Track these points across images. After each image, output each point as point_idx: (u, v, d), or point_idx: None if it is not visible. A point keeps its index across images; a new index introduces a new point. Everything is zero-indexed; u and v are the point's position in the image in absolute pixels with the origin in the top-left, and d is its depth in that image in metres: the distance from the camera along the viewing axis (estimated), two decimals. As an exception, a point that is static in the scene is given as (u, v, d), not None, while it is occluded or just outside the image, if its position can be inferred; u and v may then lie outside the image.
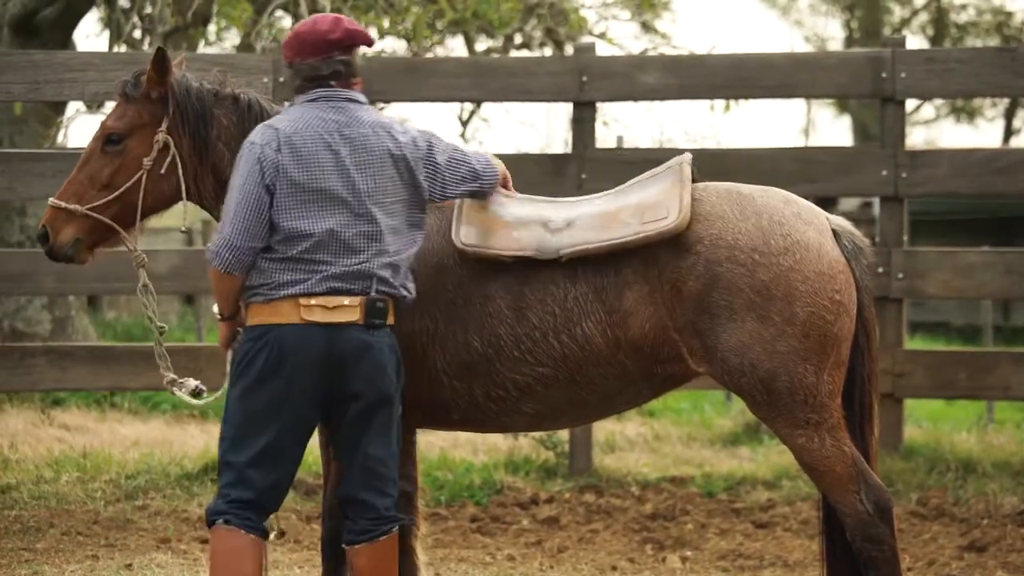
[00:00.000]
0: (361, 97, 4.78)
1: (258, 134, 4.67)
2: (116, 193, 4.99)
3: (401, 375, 4.74)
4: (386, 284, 4.65)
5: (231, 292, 4.70)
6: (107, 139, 5.03)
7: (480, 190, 4.93)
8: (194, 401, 5.08)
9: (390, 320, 4.68)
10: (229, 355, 4.81)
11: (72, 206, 4.97)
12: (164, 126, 5.01)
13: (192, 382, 5.05)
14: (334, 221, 4.59)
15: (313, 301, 4.55)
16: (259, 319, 4.59)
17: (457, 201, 5.01)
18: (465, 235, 4.95)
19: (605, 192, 5.14)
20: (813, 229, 4.81)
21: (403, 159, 4.71)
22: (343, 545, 4.77)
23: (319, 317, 4.56)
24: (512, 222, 4.97)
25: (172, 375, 5.08)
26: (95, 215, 4.98)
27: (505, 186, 5.10)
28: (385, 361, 4.66)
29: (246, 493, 4.59)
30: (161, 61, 5.02)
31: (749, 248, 4.74)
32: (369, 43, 4.85)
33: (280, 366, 4.55)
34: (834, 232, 4.87)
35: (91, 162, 5.03)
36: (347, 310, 4.58)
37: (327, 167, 4.61)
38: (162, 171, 5.00)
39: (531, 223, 4.97)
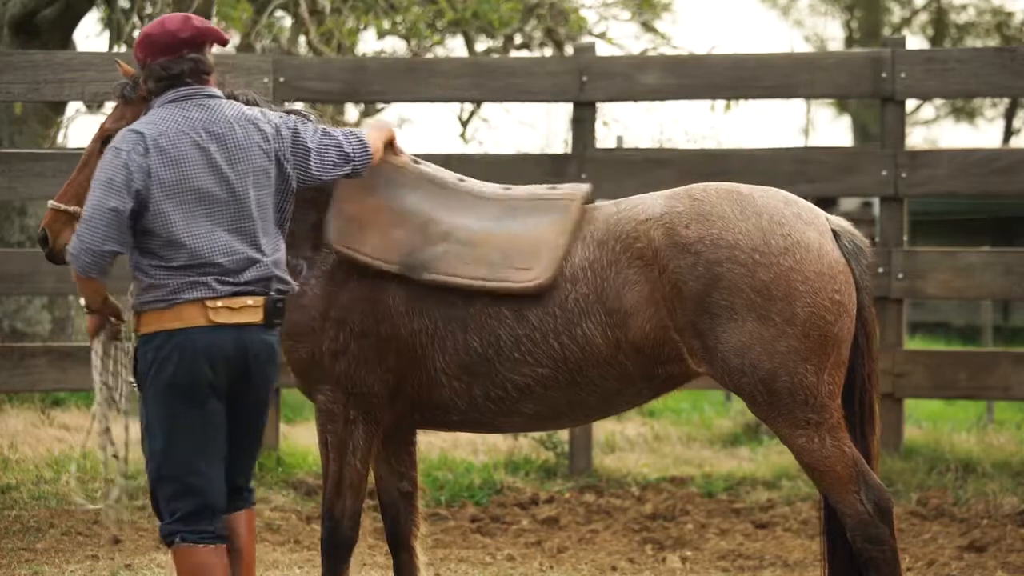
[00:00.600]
0: (219, 92, 4.75)
1: (122, 139, 4.62)
2: None
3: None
4: (281, 281, 4.69)
5: (95, 291, 4.74)
6: (105, 141, 5.01)
7: (353, 172, 4.92)
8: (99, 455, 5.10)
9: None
10: (96, 345, 4.85)
11: (72, 208, 4.96)
12: None
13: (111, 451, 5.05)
14: (215, 221, 4.58)
15: (220, 303, 4.57)
16: (160, 325, 4.57)
17: (338, 183, 5.00)
18: (339, 231, 4.97)
19: (499, 195, 5.10)
20: (813, 229, 4.81)
21: (270, 151, 4.70)
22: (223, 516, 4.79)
23: (225, 318, 4.57)
24: (394, 216, 4.99)
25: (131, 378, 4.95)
26: None
27: (392, 147, 5.09)
28: (278, 360, 4.74)
29: (195, 502, 4.60)
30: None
31: (749, 248, 4.74)
32: (222, 41, 4.80)
33: (193, 368, 4.55)
34: (834, 232, 4.86)
35: (90, 164, 5.00)
36: (251, 310, 4.61)
37: (198, 166, 4.58)
38: None
39: (413, 221, 4.98)
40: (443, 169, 5.22)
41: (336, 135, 4.85)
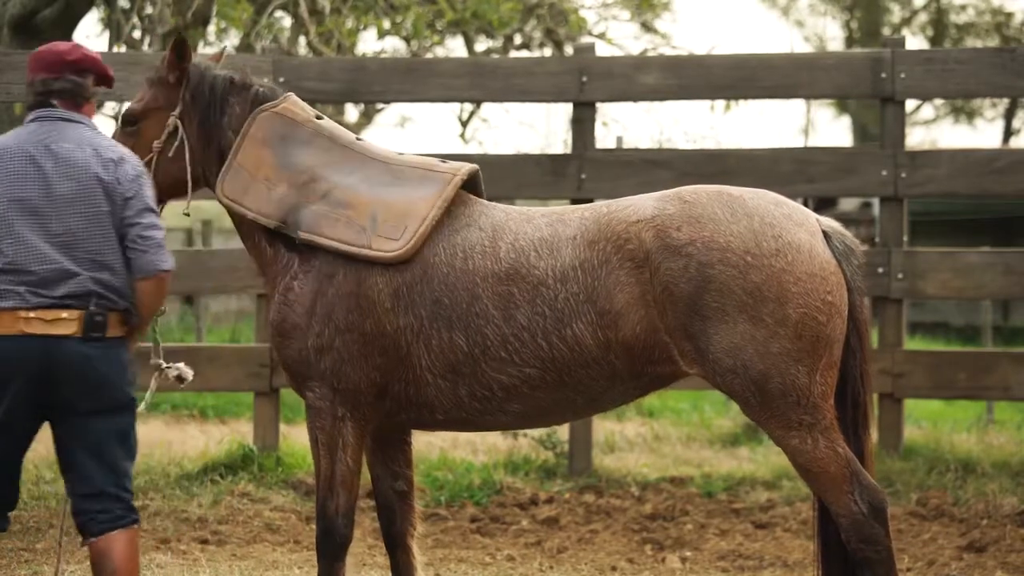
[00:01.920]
0: (81, 118, 4.85)
1: None
2: None
3: (132, 383, 4.83)
4: (102, 297, 4.73)
5: None
6: (124, 120, 5.17)
7: (139, 262, 4.75)
8: (176, 382, 5.19)
9: (115, 332, 4.75)
10: None
11: None
12: (177, 111, 5.14)
13: (182, 369, 5.20)
14: (37, 232, 4.67)
15: (32, 314, 4.65)
16: None
17: (248, 126, 5.05)
18: (227, 182, 5.05)
19: (390, 159, 5.14)
20: (804, 231, 4.80)
21: (105, 177, 4.75)
22: (89, 538, 4.79)
23: (37, 329, 4.65)
24: (280, 172, 5.05)
25: (160, 360, 5.19)
26: None
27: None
28: (107, 371, 4.73)
29: None
30: (180, 47, 5.16)
31: (741, 250, 4.73)
32: (107, 81, 4.92)
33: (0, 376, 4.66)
34: (824, 233, 4.86)
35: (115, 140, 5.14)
36: (65, 323, 4.67)
37: (28, 179, 4.70)
38: (170, 155, 5.15)
39: (297, 178, 5.04)
40: (342, 128, 5.25)
41: (157, 235, 4.76)
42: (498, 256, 4.92)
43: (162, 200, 5.14)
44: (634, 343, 4.81)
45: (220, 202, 5.13)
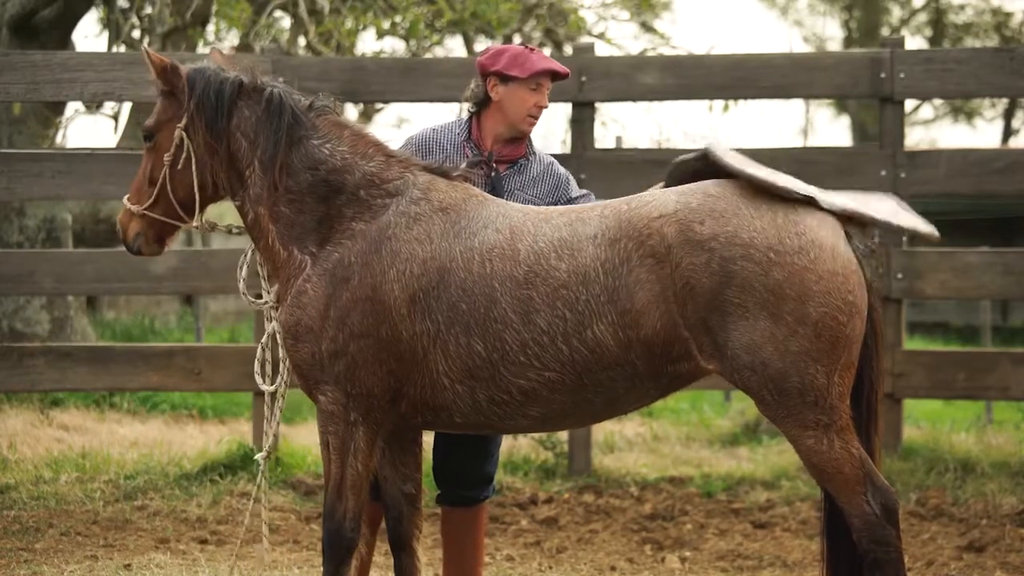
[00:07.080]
0: None
1: None
2: (156, 189, 5.09)
3: None
4: None
5: None
6: (143, 136, 5.19)
7: None
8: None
9: None
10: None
11: (133, 207, 5.13)
12: (183, 122, 5.06)
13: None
14: None
15: None
16: None
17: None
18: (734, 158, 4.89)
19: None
20: (827, 228, 4.78)
21: None
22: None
23: None
24: None
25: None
26: (149, 214, 5.11)
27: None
28: None
29: None
30: (150, 63, 5.08)
31: (764, 247, 4.69)
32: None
33: None
34: (845, 232, 4.84)
35: (143, 159, 5.17)
36: None
37: None
38: (179, 166, 5.08)
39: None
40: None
41: None
42: (517, 259, 4.85)
43: (187, 207, 5.12)
44: (654, 340, 4.76)
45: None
